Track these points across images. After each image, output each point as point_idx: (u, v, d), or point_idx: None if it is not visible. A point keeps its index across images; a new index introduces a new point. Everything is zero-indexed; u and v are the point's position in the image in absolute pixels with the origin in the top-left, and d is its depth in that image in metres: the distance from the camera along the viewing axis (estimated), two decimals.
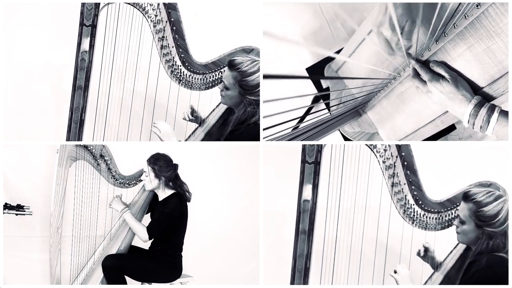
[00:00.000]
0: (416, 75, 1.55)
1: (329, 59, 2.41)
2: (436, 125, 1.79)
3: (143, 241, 2.15)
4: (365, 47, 1.91)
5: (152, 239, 2.23)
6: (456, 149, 2.39)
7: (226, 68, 1.92)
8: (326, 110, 2.42)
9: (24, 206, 2.14)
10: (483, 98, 1.42)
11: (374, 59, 1.83)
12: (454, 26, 1.37)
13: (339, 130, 2.39)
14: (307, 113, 2.40)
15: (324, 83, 2.49)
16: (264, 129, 1.34)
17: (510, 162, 2.24)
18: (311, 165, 1.77)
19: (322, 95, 2.46)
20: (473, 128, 1.44)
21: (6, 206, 2.11)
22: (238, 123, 1.91)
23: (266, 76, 0.83)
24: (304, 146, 1.77)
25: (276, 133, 1.51)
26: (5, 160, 2.31)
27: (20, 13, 2.38)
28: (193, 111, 2.16)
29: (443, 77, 1.46)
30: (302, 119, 2.36)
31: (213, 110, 2.21)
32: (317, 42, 2.53)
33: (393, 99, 1.91)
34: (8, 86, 2.44)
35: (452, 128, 2.39)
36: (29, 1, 2.38)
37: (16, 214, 2.13)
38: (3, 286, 2.25)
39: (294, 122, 2.24)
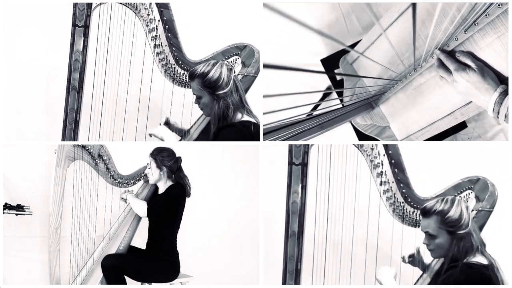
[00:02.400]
0: (441, 65, 1.56)
1: (344, 51, 2.39)
2: (455, 117, 1.79)
3: (140, 215, 2.18)
4: (390, 33, 1.88)
5: (147, 240, 2.25)
6: (457, 149, 2.36)
7: (190, 83, 1.94)
8: (339, 101, 2.40)
9: (24, 206, 2.15)
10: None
11: (401, 43, 1.81)
12: (486, 15, 1.36)
13: (350, 122, 2.37)
14: (322, 100, 2.39)
15: (338, 76, 2.46)
16: (264, 114, 1.30)
17: (510, 162, 2.20)
18: (298, 166, 1.77)
19: (335, 86, 2.45)
20: (497, 117, 1.44)
21: (6, 206, 2.12)
22: (219, 121, 1.91)
23: (265, 66, 0.81)
24: (290, 147, 1.77)
25: (288, 118, 1.49)
26: (5, 160, 2.33)
27: (14, 14, 2.40)
28: (167, 122, 2.17)
29: (469, 66, 1.46)
30: (315, 107, 2.35)
31: (195, 122, 2.21)
32: (330, 35, 2.50)
33: (410, 91, 1.90)
34: (7, 87, 2.45)
35: (462, 126, 2.36)
36: (25, 2, 2.39)
37: (16, 214, 2.14)
38: (3, 286, 2.27)
39: (301, 111, 2.22)
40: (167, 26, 1.95)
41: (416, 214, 1.83)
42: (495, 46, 1.41)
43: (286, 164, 1.87)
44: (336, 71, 2.40)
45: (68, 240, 2.14)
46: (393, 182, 1.80)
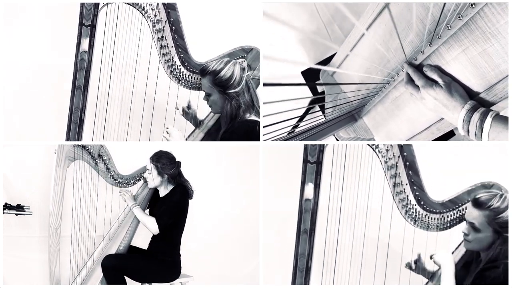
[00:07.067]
0: (410, 80, 1.50)
1: (324, 63, 2.39)
2: (432, 132, 1.78)
3: (153, 233, 2.16)
4: (362, 46, 1.90)
5: (150, 238, 2.25)
6: (458, 149, 2.37)
7: (201, 78, 1.96)
8: (321, 114, 2.40)
9: (24, 206, 2.14)
10: (478, 103, 1.35)
11: (374, 56, 1.82)
12: (448, 28, 1.30)
13: (334, 136, 2.36)
14: (304, 114, 2.39)
15: (320, 88, 2.48)
16: (264, 127, 1.33)
17: (511, 162, 2.22)
18: (312, 164, 1.75)
19: (317, 100, 2.44)
20: (468, 135, 1.37)
21: (6, 206, 2.11)
22: (231, 120, 1.93)
23: (266, 84, 0.83)
24: (306, 146, 1.76)
25: (271, 132, 1.51)
26: (5, 160, 2.31)
27: (20, 13, 2.38)
28: (189, 106, 2.17)
29: (436, 82, 1.40)
30: (300, 119, 2.36)
31: (209, 113, 2.23)
32: (313, 45, 2.51)
33: (388, 104, 1.89)
34: (8, 86, 2.43)
35: (451, 134, 2.37)
36: (29, 1, 2.38)
37: (16, 214, 2.13)
38: (3, 286, 2.25)
39: (289, 124, 2.23)
40: (173, 27, 1.95)
41: (428, 217, 1.80)
42: (461, 59, 1.35)
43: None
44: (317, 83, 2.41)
45: (68, 240, 2.13)
46: (406, 184, 1.77)
